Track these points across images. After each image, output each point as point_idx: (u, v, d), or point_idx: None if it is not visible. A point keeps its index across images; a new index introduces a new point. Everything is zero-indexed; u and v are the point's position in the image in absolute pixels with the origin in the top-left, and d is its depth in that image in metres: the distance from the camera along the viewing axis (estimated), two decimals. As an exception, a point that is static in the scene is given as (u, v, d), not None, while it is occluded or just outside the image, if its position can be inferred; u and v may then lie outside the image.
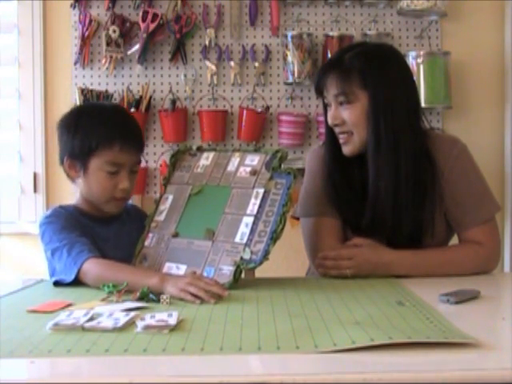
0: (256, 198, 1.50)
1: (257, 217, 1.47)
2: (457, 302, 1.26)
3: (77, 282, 1.46)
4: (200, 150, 1.69)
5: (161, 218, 1.62)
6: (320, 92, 1.71)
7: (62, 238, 1.52)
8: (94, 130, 1.60)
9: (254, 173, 1.54)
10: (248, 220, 1.48)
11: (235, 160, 1.60)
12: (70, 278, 1.46)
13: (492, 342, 0.99)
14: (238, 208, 1.51)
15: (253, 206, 1.49)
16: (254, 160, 1.57)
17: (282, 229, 1.43)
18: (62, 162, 1.65)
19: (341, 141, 1.68)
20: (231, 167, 1.59)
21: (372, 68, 1.64)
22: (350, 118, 1.64)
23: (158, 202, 1.66)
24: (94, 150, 1.58)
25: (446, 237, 1.74)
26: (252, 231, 1.46)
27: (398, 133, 1.62)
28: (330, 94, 1.67)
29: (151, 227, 1.62)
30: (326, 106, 1.72)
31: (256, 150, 1.60)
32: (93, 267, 1.45)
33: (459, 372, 0.87)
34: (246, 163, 1.58)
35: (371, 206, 1.65)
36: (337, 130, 1.68)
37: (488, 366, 0.92)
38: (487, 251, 1.66)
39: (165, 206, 1.63)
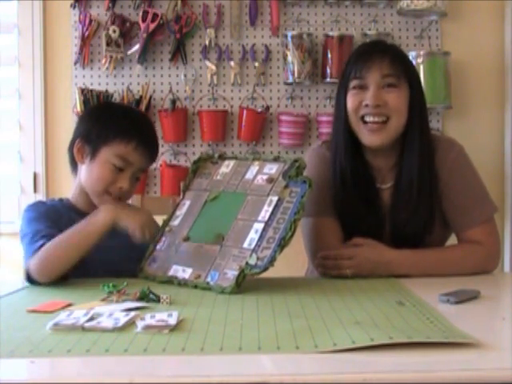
0: (269, 205, 1.49)
1: (267, 223, 1.46)
2: (457, 302, 1.26)
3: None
4: (221, 157, 1.68)
5: (175, 222, 1.62)
6: (355, 73, 1.65)
7: (33, 228, 1.54)
8: (118, 121, 1.62)
9: (270, 181, 1.54)
10: (258, 226, 1.47)
11: (254, 168, 1.60)
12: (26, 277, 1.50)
13: (492, 342, 1.00)
14: (250, 214, 1.51)
15: (265, 212, 1.48)
16: (272, 169, 1.56)
17: (291, 236, 1.41)
18: (70, 148, 1.64)
19: (373, 127, 1.63)
20: (249, 175, 1.59)
21: (410, 61, 1.74)
22: (394, 101, 1.63)
23: (175, 208, 1.66)
24: (110, 141, 1.58)
25: (443, 235, 1.75)
26: (261, 237, 1.44)
27: (426, 127, 1.70)
28: (374, 75, 1.63)
29: (165, 231, 1.62)
30: (346, 91, 1.67)
31: (275, 159, 1.59)
32: (36, 260, 1.46)
33: (459, 372, 0.87)
34: (264, 171, 1.58)
35: (400, 207, 1.68)
36: (374, 111, 1.63)
37: (488, 366, 0.92)
38: (487, 251, 1.66)
39: (181, 212, 1.63)
